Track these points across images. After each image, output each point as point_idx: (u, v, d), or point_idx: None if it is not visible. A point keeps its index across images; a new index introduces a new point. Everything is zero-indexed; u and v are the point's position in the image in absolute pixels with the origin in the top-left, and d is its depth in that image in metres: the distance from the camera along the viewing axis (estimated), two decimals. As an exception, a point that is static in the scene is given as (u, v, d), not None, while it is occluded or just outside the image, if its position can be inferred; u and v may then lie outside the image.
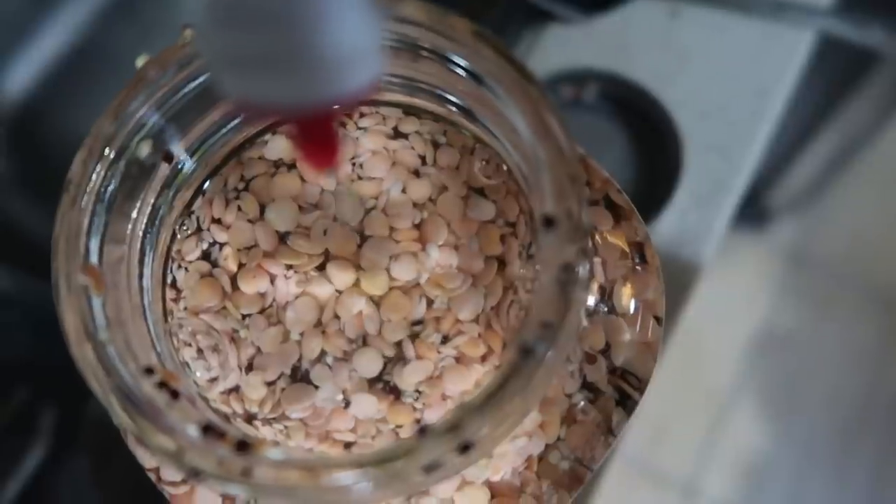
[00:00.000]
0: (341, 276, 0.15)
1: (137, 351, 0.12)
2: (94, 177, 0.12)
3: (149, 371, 0.11)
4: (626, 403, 0.16)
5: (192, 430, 0.10)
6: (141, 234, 0.13)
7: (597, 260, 0.15)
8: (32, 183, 0.45)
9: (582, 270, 0.12)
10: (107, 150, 0.12)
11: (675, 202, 0.31)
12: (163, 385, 0.11)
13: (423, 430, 0.10)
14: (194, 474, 0.10)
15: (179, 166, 0.14)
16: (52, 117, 0.45)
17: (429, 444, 0.10)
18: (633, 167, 0.32)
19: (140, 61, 0.13)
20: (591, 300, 0.15)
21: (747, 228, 0.81)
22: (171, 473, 0.14)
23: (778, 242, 0.84)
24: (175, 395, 0.11)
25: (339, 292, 0.15)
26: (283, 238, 0.16)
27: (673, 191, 0.31)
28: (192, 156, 0.14)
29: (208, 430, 0.10)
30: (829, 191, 0.77)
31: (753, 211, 0.79)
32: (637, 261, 0.16)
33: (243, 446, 0.10)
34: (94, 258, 0.12)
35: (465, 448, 0.10)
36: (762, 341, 0.84)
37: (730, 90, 0.33)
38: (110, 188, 0.12)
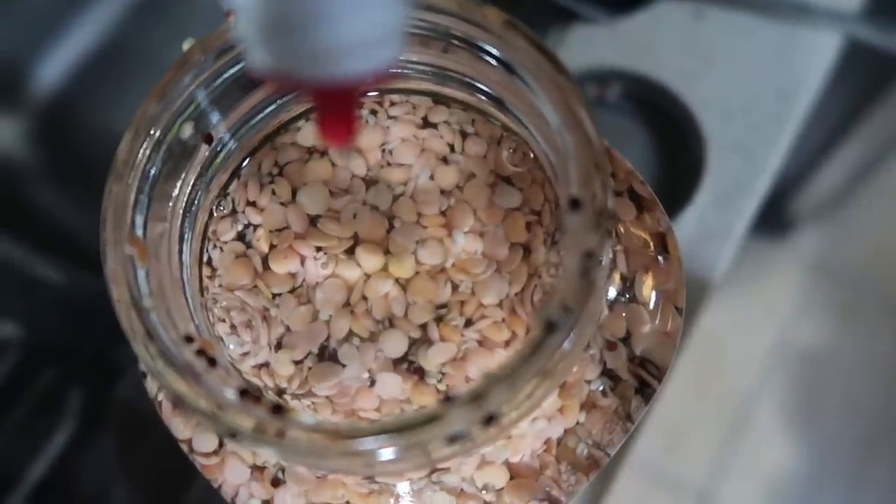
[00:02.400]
0: (370, 260, 0.16)
1: (177, 321, 0.12)
2: (139, 154, 0.12)
3: (188, 339, 0.12)
4: (645, 391, 0.16)
5: (231, 394, 0.11)
6: (181, 212, 0.14)
7: (619, 249, 0.16)
8: (64, 174, 0.46)
9: (605, 255, 0.12)
10: (152, 130, 0.13)
11: (696, 202, 0.31)
12: (201, 353, 0.11)
13: (448, 399, 0.11)
14: (232, 435, 0.10)
15: (218, 148, 0.15)
16: (84, 111, 0.46)
17: (454, 411, 0.11)
18: (655, 166, 0.32)
19: (186, 45, 0.13)
20: (612, 289, 0.16)
21: (770, 237, 0.81)
22: (203, 444, 0.15)
23: (800, 252, 0.83)
24: (213, 362, 0.11)
25: (368, 275, 0.16)
26: (314, 221, 0.16)
27: (694, 191, 0.31)
28: (230, 139, 0.15)
29: (245, 394, 0.11)
30: (853, 201, 0.76)
31: (776, 220, 0.78)
32: (659, 252, 0.16)
33: (278, 409, 0.11)
34: (139, 231, 0.12)
35: (489, 419, 0.11)
36: (782, 351, 0.83)
37: (754, 92, 0.33)
38: (155, 166, 0.13)
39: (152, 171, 0.13)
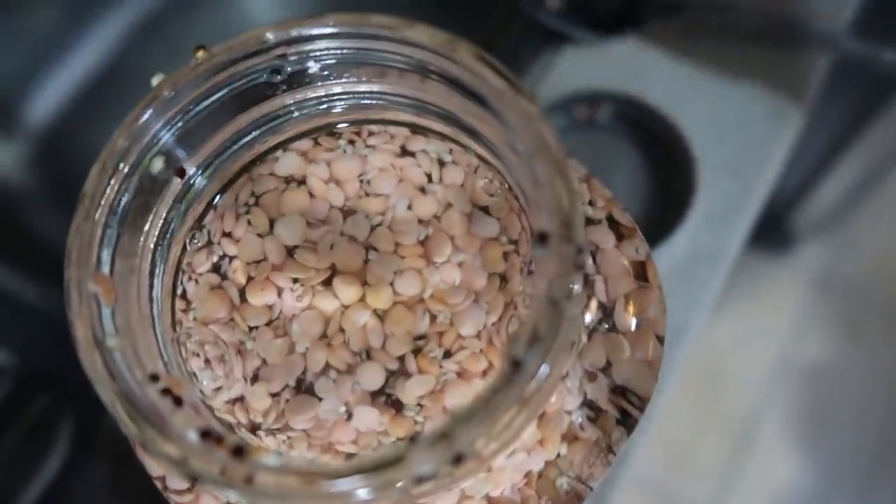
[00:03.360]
0: (347, 291, 0.16)
1: (144, 359, 0.12)
2: (107, 190, 0.12)
3: (154, 378, 0.12)
4: (627, 422, 0.16)
5: (192, 435, 0.11)
6: (152, 246, 0.14)
7: (598, 278, 0.16)
8: (59, 198, 0.47)
9: (576, 286, 0.12)
10: (121, 165, 0.13)
11: (688, 223, 0.31)
12: (167, 392, 0.11)
13: (412, 438, 0.10)
14: (197, 480, 0.10)
15: (191, 182, 0.15)
16: (81, 136, 0.46)
17: (418, 451, 0.10)
18: (647, 188, 0.32)
19: (155, 80, 0.13)
20: (591, 318, 0.15)
21: (770, 253, 0.80)
22: (176, 482, 0.15)
23: (802, 267, 0.83)
24: (178, 401, 0.11)
25: (345, 306, 0.16)
26: (291, 252, 0.16)
27: (686, 211, 0.31)
28: (204, 171, 0.15)
29: (207, 435, 0.11)
30: (854, 215, 0.76)
31: (777, 236, 0.78)
32: (639, 280, 0.16)
33: (239, 451, 0.10)
34: (105, 269, 0.12)
35: (457, 459, 0.11)
36: (786, 366, 0.83)
37: (744, 112, 0.33)
38: (123, 201, 0.13)
39: (121, 206, 0.13)
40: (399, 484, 0.11)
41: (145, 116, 0.13)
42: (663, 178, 0.32)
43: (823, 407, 0.79)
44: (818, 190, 0.69)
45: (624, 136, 0.32)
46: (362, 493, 0.11)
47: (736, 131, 0.32)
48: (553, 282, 0.11)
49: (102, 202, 0.12)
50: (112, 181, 0.12)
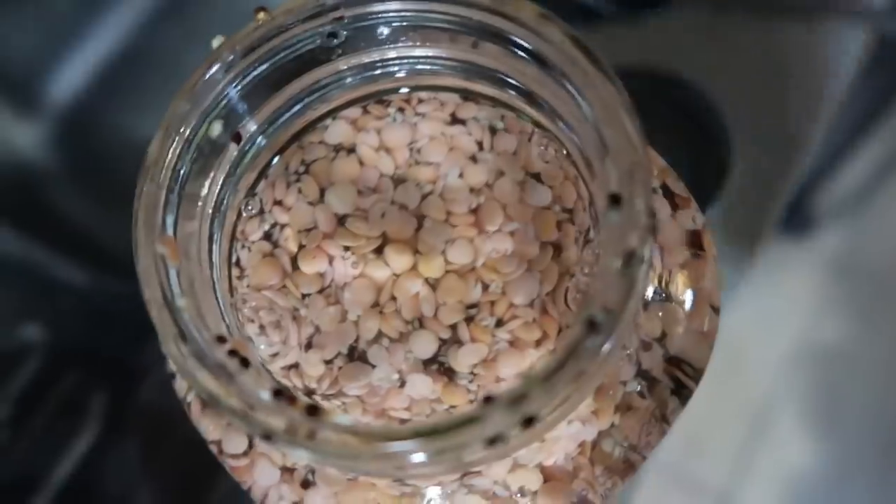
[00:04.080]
0: (398, 259, 0.16)
1: (209, 321, 0.12)
2: (169, 154, 0.12)
3: (221, 339, 0.12)
4: (682, 392, 0.16)
5: (265, 394, 0.11)
6: (210, 212, 0.14)
7: (654, 247, 0.15)
8: (85, 178, 0.47)
9: (646, 254, 0.12)
10: (182, 128, 0.12)
11: (721, 201, 0.31)
12: (234, 353, 0.11)
13: (488, 399, 0.10)
14: (265, 436, 0.10)
15: (247, 147, 0.15)
16: (103, 115, 0.46)
17: (494, 413, 0.10)
18: (680, 165, 0.32)
19: (216, 42, 0.13)
20: (649, 288, 0.15)
21: (792, 236, 0.80)
22: (233, 446, 0.15)
23: (822, 250, 0.82)
24: (245, 363, 0.11)
25: (396, 275, 0.16)
26: (341, 221, 0.16)
27: (720, 189, 0.30)
28: (259, 137, 0.15)
29: (279, 394, 0.11)
30: (876, 199, 0.75)
31: (798, 218, 0.77)
32: (694, 249, 0.16)
33: (313, 410, 0.10)
34: (169, 231, 0.12)
35: (528, 421, 0.11)
36: (804, 351, 0.82)
37: (780, 89, 0.32)
38: (184, 166, 0.13)
39: (182, 171, 0.13)
40: (468, 447, 0.11)
41: (206, 78, 0.13)
42: (697, 154, 0.31)
43: (840, 392, 0.78)
44: (841, 173, 0.68)
45: (657, 112, 0.32)
46: (420, 457, 0.11)
47: (772, 108, 0.32)
48: (624, 250, 0.11)
49: (165, 165, 0.12)
50: (174, 145, 0.12)
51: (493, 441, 0.11)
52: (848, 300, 0.81)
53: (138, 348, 0.35)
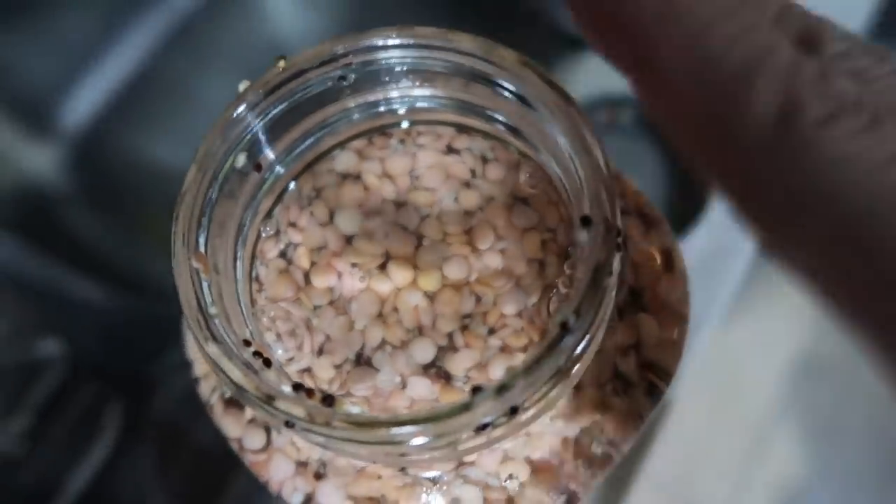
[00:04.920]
0: (400, 274, 0.17)
1: (235, 327, 0.14)
2: (202, 182, 0.14)
3: (247, 343, 0.13)
4: (654, 393, 0.17)
5: (286, 388, 0.12)
6: (234, 232, 0.16)
7: (628, 264, 0.17)
8: (98, 200, 0.49)
9: (614, 267, 0.14)
10: (212, 160, 0.14)
11: (708, 219, 0.32)
12: (258, 354, 0.13)
13: (476, 389, 0.12)
14: (288, 423, 0.12)
15: (266, 176, 0.16)
16: (115, 139, 0.48)
17: (481, 401, 0.12)
18: (668, 186, 0.34)
19: (242, 86, 0.15)
20: (623, 300, 0.17)
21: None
22: (252, 442, 0.16)
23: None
24: (268, 363, 0.13)
25: (398, 288, 0.18)
26: (349, 240, 0.18)
27: (705, 208, 0.32)
28: (276, 167, 0.17)
29: (299, 388, 0.12)
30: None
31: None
32: (665, 265, 0.18)
33: (329, 400, 0.12)
34: (202, 248, 0.14)
35: (512, 410, 0.12)
36: (803, 366, 0.83)
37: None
38: (214, 192, 0.15)
39: (212, 196, 0.15)
40: (460, 432, 0.13)
41: (234, 116, 0.15)
42: (684, 176, 0.33)
43: (840, 409, 0.79)
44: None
45: (645, 137, 0.34)
46: (418, 441, 0.13)
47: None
48: (595, 262, 0.13)
49: (197, 192, 0.14)
50: (206, 174, 0.14)
51: (482, 427, 0.12)
52: (843, 316, 0.82)
53: (152, 362, 0.37)
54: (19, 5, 0.44)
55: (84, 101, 0.48)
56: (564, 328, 0.12)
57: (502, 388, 0.12)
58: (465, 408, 0.12)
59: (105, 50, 0.48)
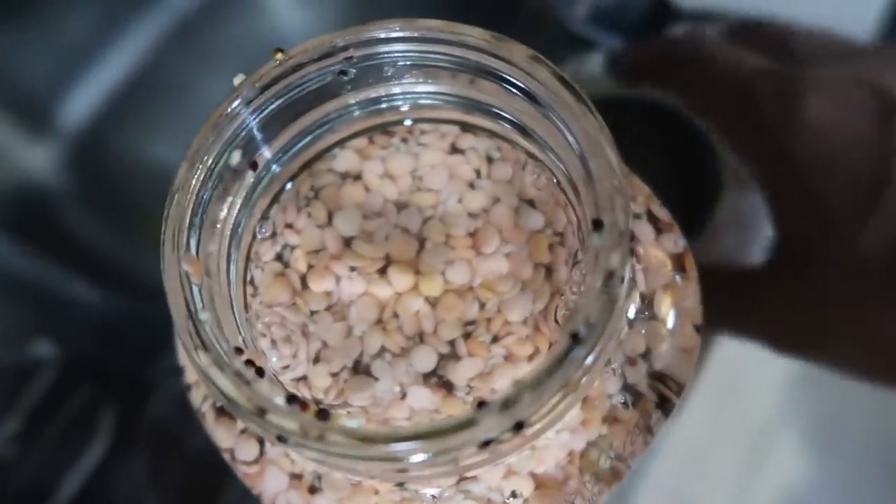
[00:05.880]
0: (401, 279, 0.17)
1: (227, 333, 0.13)
2: (193, 181, 0.14)
3: (238, 350, 0.13)
4: (665, 406, 0.17)
5: (280, 400, 0.12)
6: (228, 234, 0.15)
7: (639, 269, 0.17)
8: (95, 200, 0.48)
9: (625, 273, 0.13)
10: (205, 157, 0.14)
11: (715, 225, 0.32)
12: (250, 363, 0.12)
13: (481, 404, 0.11)
14: (281, 438, 0.11)
15: (262, 174, 0.16)
16: (114, 139, 0.48)
17: (486, 417, 0.11)
18: (674, 192, 0.33)
19: (237, 80, 0.14)
20: (633, 307, 0.16)
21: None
22: (245, 453, 0.16)
23: (819, 274, 0.83)
24: (260, 372, 0.12)
25: (399, 293, 0.17)
26: (348, 242, 0.17)
27: (712, 213, 0.31)
28: (272, 165, 0.16)
29: (293, 400, 0.12)
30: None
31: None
32: (677, 271, 0.17)
33: (324, 414, 0.11)
34: (193, 251, 0.13)
35: (518, 426, 0.12)
36: (804, 373, 0.82)
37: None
38: (207, 191, 0.14)
39: (204, 196, 0.14)
40: (462, 449, 0.12)
41: (228, 111, 0.14)
42: (691, 182, 0.33)
43: (841, 414, 0.79)
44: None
45: (651, 140, 0.33)
46: (418, 457, 0.12)
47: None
48: (605, 269, 0.12)
49: (189, 191, 0.13)
50: (198, 173, 0.14)
51: (486, 443, 0.12)
52: (847, 323, 0.82)
53: (147, 365, 0.36)
54: (18, 3, 0.44)
55: (82, 100, 0.48)
56: (575, 339, 0.12)
57: (508, 403, 0.11)
58: (469, 423, 0.11)
59: (104, 48, 0.47)
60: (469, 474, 0.15)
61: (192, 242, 0.13)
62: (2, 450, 0.35)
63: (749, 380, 0.78)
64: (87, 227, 0.46)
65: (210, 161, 0.14)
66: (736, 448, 0.78)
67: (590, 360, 0.12)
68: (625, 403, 0.16)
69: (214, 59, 0.49)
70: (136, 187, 0.47)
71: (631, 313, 0.16)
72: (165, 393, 0.34)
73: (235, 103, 0.14)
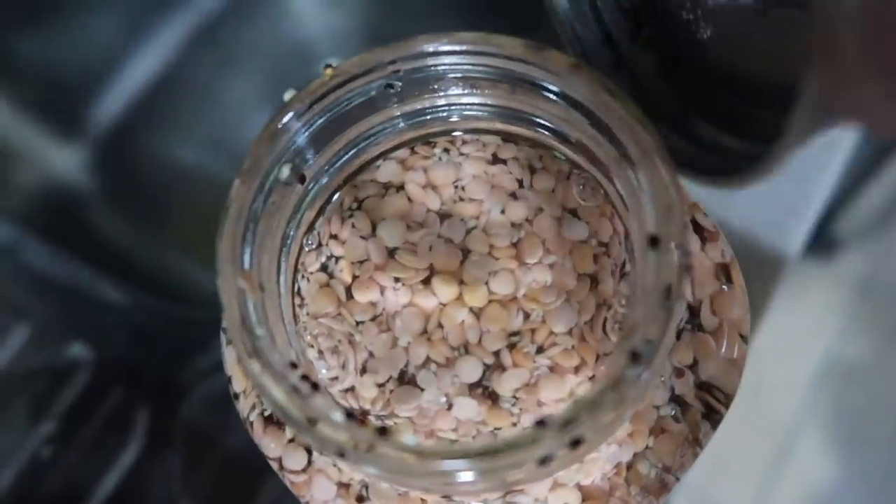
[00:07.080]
0: (445, 289, 0.17)
1: (279, 345, 0.13)
2: (247, 195, 0.14)
3: (293, 365, 0.13)
4: (712, 416, 0.16)
5: (337, 416, 0.12)
6: (278, 246, 0.15)
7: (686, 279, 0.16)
8: (124, 200, 0.48)
9: (683, 289, 0.13)
10: (258, 172, 0.14)
11: (745, 227, 0.31)
12: (305, 378, 0.12)
13: (541, 423, 0.11)
14: (340, 453, 0.11)
15: (310, 187, 0.16)
16: (142, 140, 0.48)
17: (546, 435, 0.11)
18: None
19: (287, 95, 0.14)
20: (680, 317, 0.16)
21: (814, 258, 0.80)
22: (293, 462, 0.16)
23: (845, 272, 0.82)
24: (315, 386, 0.12)
25: (443, 304, 0.17)
26: (392, 253, 0.17)
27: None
28: (320, 178, 0.16)
29: (350, 416, 0.12)
30: (898, 221, 0.75)
31: (821, 240, 0.77)
32: (723, 281, 0.17)
33: (383, 431, 0.12)
34: (247, 265, 0.13)
35: (575, 443, 0.12)
36: (828, 373, 0.82)
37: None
38: (259, 205, 0.14)
39: (257, 210, 0.14)
40: (521, 466, 0.12)
41: (279, 126, 0.14)
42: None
43: (865, 413, 0.78)
44: (864, 195, 0.68)
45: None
46: (468, 476, 0.12)
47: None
48: (664, 285, 0.12)
49: (243, 205, 0.14)
50: (251, 186, 0.14)
51: (543, 461, 0.12)
52: (872, 321, 0.81)
53: (180, 366, 0.37)
54: (46, 6, 0.44)
55: (110, 102, 0.48)
56: (634, 357, 0.12)
57: (567, 423, 0.11)
58: (528, 442, 0.11)
59: (131, 50, 0.48)
60: (515, 488, 0.15)
61: (246, 257, 0.13)
62: (37, 451, 0.35)
63: (774, 380, 0.77)
64: (117, 228, 0.46)
65: (262, 176, 0.14)
66: (761, 447, 0.78)
67: (646, 376, 0.12)
68: (673, 415, 0.16)
69: (241, 62, 0.49)
70: (164, 188, 0.48)
71: (680, 325, 0.16)
72: (199, 394, 0.34)
73: (287, 118, 0.14)
